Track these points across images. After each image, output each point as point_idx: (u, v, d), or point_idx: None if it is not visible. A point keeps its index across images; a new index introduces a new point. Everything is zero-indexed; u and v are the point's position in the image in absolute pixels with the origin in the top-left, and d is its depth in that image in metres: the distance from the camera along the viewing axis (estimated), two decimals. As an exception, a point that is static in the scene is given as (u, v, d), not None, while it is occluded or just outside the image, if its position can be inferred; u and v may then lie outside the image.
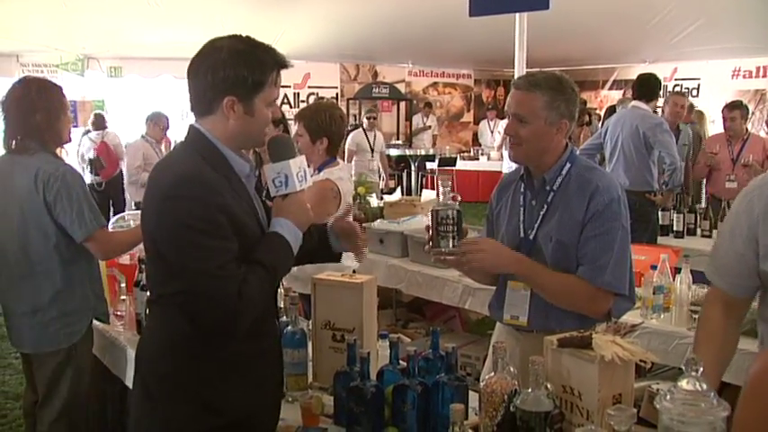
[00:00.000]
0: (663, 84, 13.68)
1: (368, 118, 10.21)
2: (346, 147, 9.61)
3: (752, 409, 1.29)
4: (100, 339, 3.63)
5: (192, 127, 2.14)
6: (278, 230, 2.14)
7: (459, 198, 2.67)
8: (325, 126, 3.97)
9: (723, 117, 7.13)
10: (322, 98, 14.18)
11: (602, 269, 2.56)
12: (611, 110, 9.09)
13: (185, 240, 1.97)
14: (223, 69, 2.01)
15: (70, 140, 3.64)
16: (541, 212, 2.68)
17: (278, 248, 2.13)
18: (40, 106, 3.30)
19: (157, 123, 8.65)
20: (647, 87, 6.65)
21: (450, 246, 2.54)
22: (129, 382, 3.31)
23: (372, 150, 9.92)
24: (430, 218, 2.59)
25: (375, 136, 10.02)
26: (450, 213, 2.53)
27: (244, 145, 2.21)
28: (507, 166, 11.41)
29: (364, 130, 10.02)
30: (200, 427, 2.10)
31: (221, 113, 2.06)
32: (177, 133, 9.37)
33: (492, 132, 15.12)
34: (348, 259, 4.16)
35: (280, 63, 2.10)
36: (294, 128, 4.33)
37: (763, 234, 2.18)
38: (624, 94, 9.49)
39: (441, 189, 2.58)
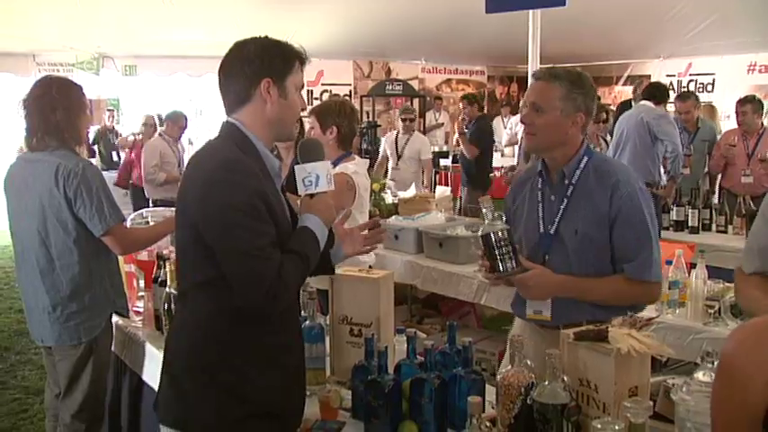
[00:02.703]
0: (677, 79, 13.81)
1: (402, 120, 8.57)
2: (380, 153, 8.75)
3: (725, 389, 1.31)
4: (118, 335, 3.67)
5: (226, 122, 2.24)
6: (307, 225, 2.23)
7: (504, 217, 2.68)
8: (334, 114, 4.04)
9: (736, 111, 7.16)
10: (336, 95, 14.21)
11: (646, 263, 2.62)
12: (624, 105, 9.15)
13: (229, 222, 2.05)
14: (256, 57, 2.17)
15: (89, 139, 3.69)
16: (561, 206, 2.71)
17: (308, 241, 2.21)
18: (59, 104, 3.35)
19: (176, 122, 8.71)
20: (656, 90, 7.00)
21: (510, 267, 2.55)
22: (147, 377, 3.36)
23: (399, 157, 8.39)
24: (482, 243, 2.58)
25: (408, 140, 8.42)
26: (502, 233, 2.53)
27: (278, 134, 2.31)
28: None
29: (398, 133, 8.62)
30: (230, 416, 2.14)
31: (259, 99, 2.18)
32: (192, 131, 9.45)
33: (505, 128, 15.08)
34: (365, 255, 4.22)
35: (299, 55, 2.25)
36: (288, 156, 4.42)
37: None
38: (635, 91, 9.50)
39: (483, 210, 2.57)
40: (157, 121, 10.17)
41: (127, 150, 10.00)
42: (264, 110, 2.19)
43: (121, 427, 3.71)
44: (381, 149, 8.75)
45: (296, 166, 2.29)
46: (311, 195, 2.26)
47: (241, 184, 2.07)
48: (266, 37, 2.24)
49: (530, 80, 2.80)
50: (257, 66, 2.16)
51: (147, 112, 10.41)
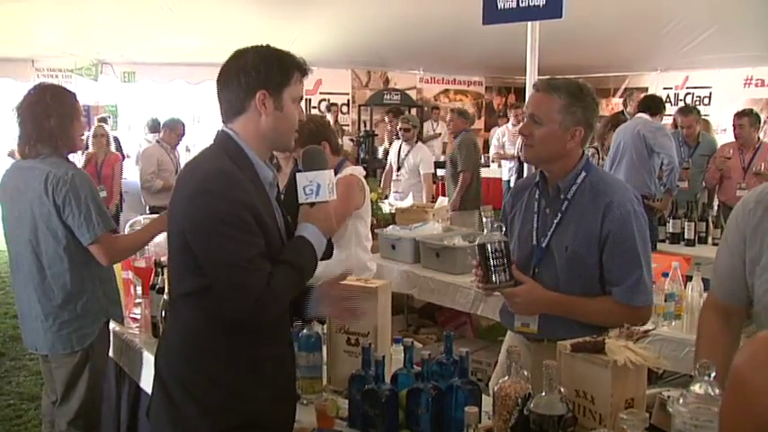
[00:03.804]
0: (674, 92, 13.84)
1: (403, 129, 8.33)
2: (387, 163, 8.54)
3: (735, 401, 1.31)
4: (116, 341, 3.67)
5: (221, 131, 2.23)
6: (304, 235, 2.21)
7: (504, 228, 2.68)
8: (317, 133, 4.03)
9: (733, 125, 7.19)
10: (334, 104, 14.25)
11: (634, 288, 2.58)
12: (614, 118, 9.16)
13: (216, 233, 2.04)
14: (253, 68, 2.15)
15: (83, 146, 3.66)
16: (555, 220, 2.69)
17: (304, 251, 2.19)
18: (53, 111, 3.35)
19: (173, 130, 8.69)
20: (651, 102, 7.10)
21: (504, 278, 2.56)
22: (144, 384, 3.36)
23: (399, 168, 8.25)
24: (478, 253, 2.58)
25: (409, 152, 8.22)
26: (499, 245, 2.54)
27: (274, 145, 2.30)
28: (507, 174, 11.48)
29: (401, 142, 8.43)
30: (219, 426, 2.14)
31: (254, 111, 2.16)
32: (189, 139, 9.43)
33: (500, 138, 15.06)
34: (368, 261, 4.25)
35: (300, 66, 2.22)
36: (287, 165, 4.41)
37: (749, 247, 2.20)
38: (625, 103, 9.53)
39: (484, 220, 2.57)
40: (146, 129, 10.09)
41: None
42: (259, 122, 2.17)
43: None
44: (389, 158, 8.61)
45: (297, 174, 2.28)
46: (311, 204, 2.24)
47: (229, 195, 2.06)
48: (267, 46, 2.21)
49: (530, 91, 2.78)
50: (253, 77, 2.14)
51: (96, 123, 9.37)
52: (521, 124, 2.98)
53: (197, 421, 2.14)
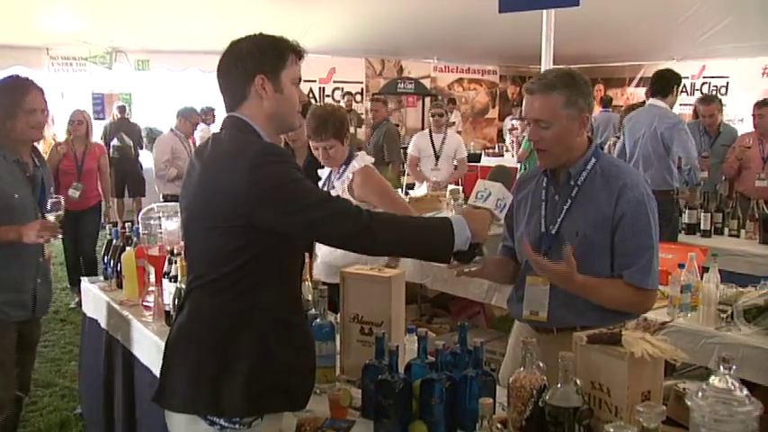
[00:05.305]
0: (691, 81, 13.67)
1: (432, 116, 8.33)
2: (409, 152, 8.36)
3: None
4: (127, 329, 3.68)
5: (231, 116, 2.27)
6: (452, 220, 2.26)
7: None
8: (346, 128, 4.10)
9: (753, 114, 7.07)
10: (349, 92, 14.23)
11: (645, 270, 2.59)
12: (632, 108, 8.98)
13: (296, 189, 2.12)
14: (249, 54, 2.22)
15: (36, 140, 3.71)
16: (565, 207, 2.68)
17: (438, 224, 2.28)
18: None
19: (188, 118, 8.61)
20: (662, 83, 6.48)
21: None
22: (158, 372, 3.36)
23: (438, 157, 8.12)
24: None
25: (444, 139, 8.17)
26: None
27: (279, 127, 2.35)
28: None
29: (430, 131, 8.32)
30: (253, 390, 2.16)
31: (255, 95, 2.23)
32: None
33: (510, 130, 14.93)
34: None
35: (294, 48, 2.29)
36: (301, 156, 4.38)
37: None
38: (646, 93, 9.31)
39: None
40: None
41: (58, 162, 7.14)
42: (262, 105, 2.23)
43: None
44: (410, 150, 8.34)
45: (479, 180, 2.42)
46: (476, 208, 2.36)
47: (287, 161, 2.18)
48: (260, 34, 2.28)
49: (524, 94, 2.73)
50: (250, 62, 2.21)
51: (76, 108, 7.88)
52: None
53: (234, 392, 2.16)
